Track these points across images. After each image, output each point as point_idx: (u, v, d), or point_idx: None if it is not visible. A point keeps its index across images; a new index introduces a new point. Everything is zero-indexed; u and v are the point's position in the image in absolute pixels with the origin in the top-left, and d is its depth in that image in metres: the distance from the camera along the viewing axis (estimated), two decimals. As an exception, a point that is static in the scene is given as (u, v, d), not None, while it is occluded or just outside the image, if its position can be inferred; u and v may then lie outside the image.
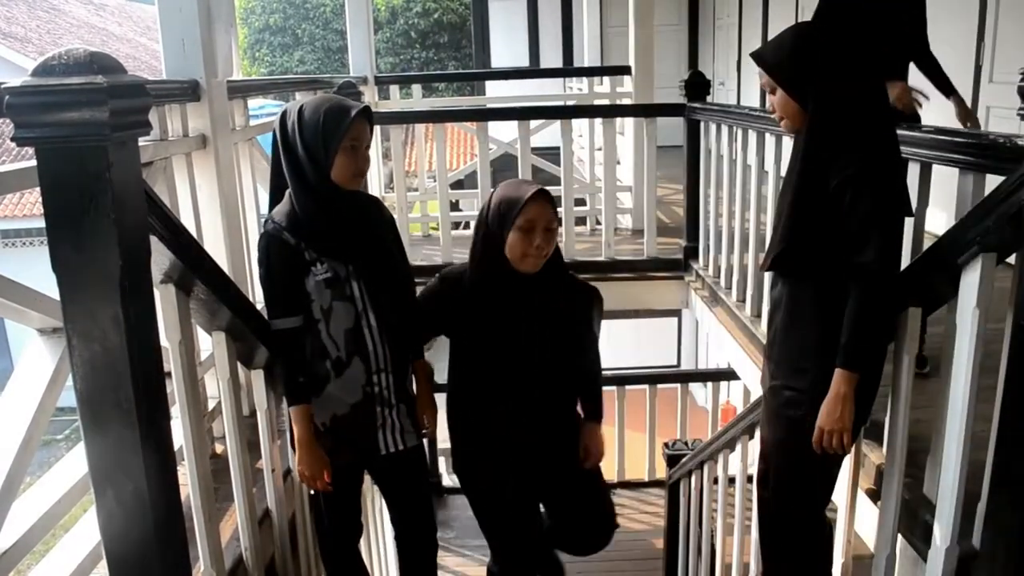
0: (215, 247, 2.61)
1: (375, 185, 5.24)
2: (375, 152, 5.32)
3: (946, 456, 1.67)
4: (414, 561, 2.33)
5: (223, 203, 2.64)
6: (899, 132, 2.11)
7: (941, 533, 1.67)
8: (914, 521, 1.85)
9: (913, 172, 2.13)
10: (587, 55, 9.66)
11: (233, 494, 1.83)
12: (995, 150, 1.68)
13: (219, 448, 2.30)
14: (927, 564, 1.74)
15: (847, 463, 2.01)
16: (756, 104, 8.01)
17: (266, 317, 1.94)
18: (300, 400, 1.94)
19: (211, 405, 2.44)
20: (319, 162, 1.89)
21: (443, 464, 5.51)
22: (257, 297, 3.03)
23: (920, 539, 1.82)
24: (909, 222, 2.22)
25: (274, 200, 2.03)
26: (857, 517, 2.08)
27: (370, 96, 5.72)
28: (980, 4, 4.28)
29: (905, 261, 2.18)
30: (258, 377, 1.95)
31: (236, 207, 2.78)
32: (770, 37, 2.01)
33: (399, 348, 2.08)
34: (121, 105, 1.02)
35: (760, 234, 3.20)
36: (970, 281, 1.59)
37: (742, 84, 8.89)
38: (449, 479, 5.64)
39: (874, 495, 2.00)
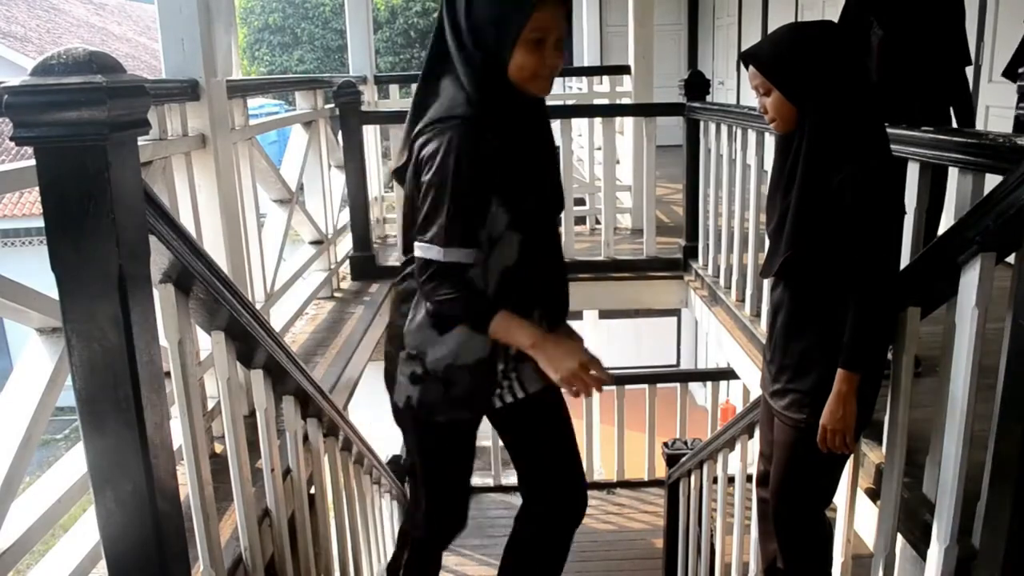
0: (214, 247, 2.60)
1: (375, 185, 5.23)
2: (374, 152, 5.31)
3: (945, 455, 1.68)
4: (552, 529, 1.95)
5: (222, 203, 2.64)
6: (900, 132, 2.12)
7: (940, 532, 1.67)
8: (913, 520, 1.85)
9: (912, 172, 2.13)
10: (587, 55, 9.66)
11: (232, 493, 1.83)
12: (994, 150, 1.68)
13: (219, 448, 2.30)
14: (926, 563, 1.74)
15: (848, 461, 2.01)
16: (756, 104, 8.00)
17: (425, 242, 1.56)
18: (495, 312, 1.60)
19: (211, 405, 2.44)
20: (491, 53, 1.54)
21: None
22: (257, 297, 3.04)
23: (919, 538, 1.82)
24: (909, 221, 2.22)
25: (417, 116, 1.62)
26: (857, 516, 2.08)
27: (370, 96, 5.72)
28: (980, 3, 4.28)
29: (905, 260, 2.19)
30: (257, 376, 1.94)
31: (236, 207, 2.77)
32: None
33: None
34: (120, 105, 1.02)
35: (760, 234, 3.20)
36: (969, 280, 1.59)
37: (742, 83, 8.89)
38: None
39: (873, 494, 2.00)
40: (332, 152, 4.55)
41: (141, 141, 2.17)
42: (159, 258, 1.30)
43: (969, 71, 4.06)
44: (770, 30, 7.61)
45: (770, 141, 3.07)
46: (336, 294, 4.24)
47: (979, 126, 4.25)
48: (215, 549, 1.60)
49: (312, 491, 2.26)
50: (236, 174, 2.84)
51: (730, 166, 3.61)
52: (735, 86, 9.06)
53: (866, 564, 1.95)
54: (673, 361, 12.64)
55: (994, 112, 4.22)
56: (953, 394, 1.65)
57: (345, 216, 4.65)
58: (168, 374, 1.35)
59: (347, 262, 4.54)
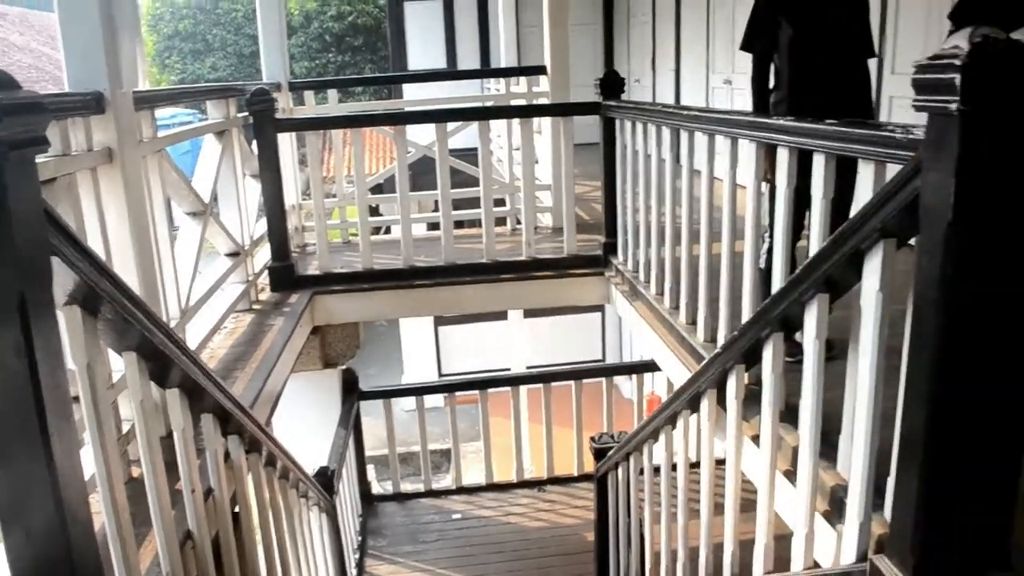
0: (124, 264, 2.53)
1: (291, 193, 5.15)
2: (290, 159, 5.22)
3: (856, 434, 1.75)
4: None
5: (132, 218, 2.56)
6: (807, 125, 2.17)
7: (854, 509, 1.74)
8: (829, 499, 1.92)
9: (818, 163, 2.20)
10: (504, 56, 9.69)
11: (151, 518, 1.78)
12: (893, 141, 1.75)
13: (136, 472, 2.23)
14: (843, 540, 1.81)
15: (766, 444, 2.07)
16: (671, 100, 8.16)
17: None
18: None
19: (126, 427, 2.37)
20: None
21: (372, 471, 5.46)
22: (172, 314, 2.95)
23: (835, 516, 1.89)
24: (817, 210, 2.29)
25: None
26: (776, 498, 2.14)
27: (284, 103, 5.62)
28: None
29: (813, 249, 2.26)
30: (173, 396, 1.90)
31: (146, 222, 2.69)
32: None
33: None
34: (17, 123, 0.99)
35: (676, 227, 3.27)
36: (873, 266, 1.66)
37: (657, 81, 9.05)
38: (379, 486, 5.57)
39: (791, 476, 2.07)
40: (247, 161, 4.46)
41: (42, 158, 2.09)
42: (63, 280, 1.26)
43: (873, 63, 4.25)
44: (683, 28, 7.76)
45: (684, 137, 3.14)
46: (255, 306, 4.16)
47: (883, 117, 4.43)
48: (136, 576, 1.56)
49: (236, 510, 2.22)
50: (146, 188, 2.76)
51: (646, 162, 3.68)
52: (651, 84, 9.22)
53: (787, 544, 2.02)
54: (599, 356, 12.80)
55: (897, 103, 4.40)
56: (861, 375, 1.72)
57: (262, 226, 4.56)
58: (77, 399, 1.30)
59: (265, 273, 4.46)
